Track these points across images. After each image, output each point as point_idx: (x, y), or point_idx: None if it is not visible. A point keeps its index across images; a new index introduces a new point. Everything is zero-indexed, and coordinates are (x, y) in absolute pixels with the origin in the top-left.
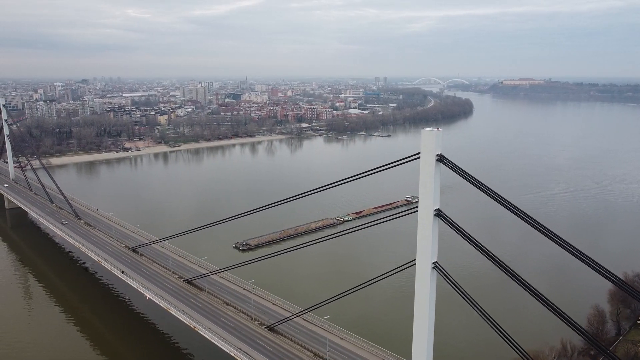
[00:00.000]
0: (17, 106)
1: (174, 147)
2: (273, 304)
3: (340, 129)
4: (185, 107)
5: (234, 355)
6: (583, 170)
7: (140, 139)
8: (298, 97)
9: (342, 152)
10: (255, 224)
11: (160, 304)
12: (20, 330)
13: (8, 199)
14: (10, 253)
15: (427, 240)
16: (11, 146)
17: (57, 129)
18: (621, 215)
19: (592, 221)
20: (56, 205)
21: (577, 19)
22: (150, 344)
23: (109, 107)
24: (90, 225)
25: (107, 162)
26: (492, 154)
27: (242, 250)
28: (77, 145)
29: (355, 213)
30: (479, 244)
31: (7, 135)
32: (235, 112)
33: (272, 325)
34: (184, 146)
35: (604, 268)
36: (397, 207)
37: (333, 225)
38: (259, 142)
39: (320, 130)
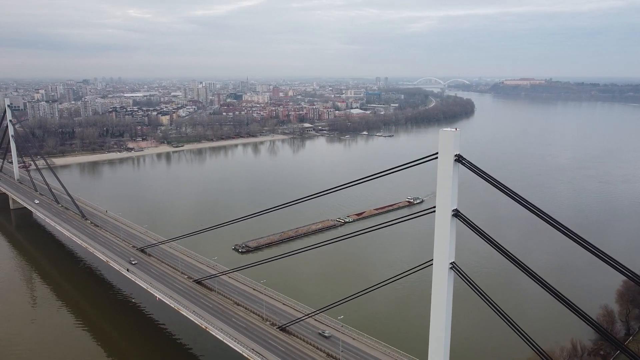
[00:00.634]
0: (18, 106)
1: (176, 147)
2: (283, 304)
3: (343, 129)
4: (187, 107)
5: (246, 355)
6: (587, 170)
7: (143, 139)
8: (299, 97)
9: (345, 153)
10: (254, 226)
11: (171, 305)
12: (27, 330)
13: (13, 198)
14: (15, 253)
15: (444, 241)
16: (16, 146)
17: (60, 129)
18: (627, 215)
19: (597, 220)
20: (62, 206)
21: (577, 18)
22: (159, 344)
23: (110, 108)
24: (97, 226)
25: (110, 162)
26: (496, 154)
27: (242, 253)
28: (80, 145)
29: (356, 214)
30: (498, 244)
31: (12, 136)
32: (237, 112)
33: (284, 326)
34: (187, 146)
35: (626, 267)
36: (399, 208)
37: (334, 226)
38: (262, 143)
39: (322, 130)
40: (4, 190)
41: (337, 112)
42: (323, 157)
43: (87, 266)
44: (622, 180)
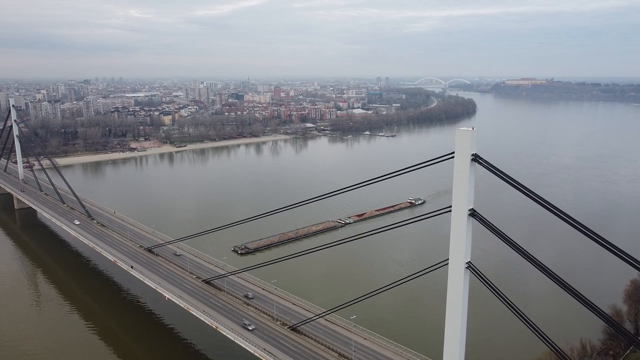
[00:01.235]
0: (20, 107)
1: (179, 147)
2: (293, 304)
3: (345, 129)
4: (189, 107)
5: (258, 355)
6: (592, 170)
7: (146, 139)
8: (301, 97)
9: (348, 153)
10: (254, 227)
11: (181, 304)
12: (35, 332)
13: (18, 198)
14: (21, 253)
15: (460, 240)
16: (20, 146)
17: (63, 130)
18: (635, 214)
19: (604, 219)
20: (68, 206)
21: (579, 18)
22: (168, 345)
23: (112, 108)
24: (104, 226)
25: (114, 162)
26: (500, 154)
27: (241, 254)
28: (83, 145)
29: (357, 215)
30: (515, 243)
31: (17, 136)
32: (239, 112)
33: (294, 326)
34: (190, 146)
35: None
36: (401, 209)
37: (334, 228)
38: (264, 143)
39: (324, 130)
40: (9, 190)
41: (339, 112)
42: (326, 157)
43: (93, 266)
44: (629, 180)
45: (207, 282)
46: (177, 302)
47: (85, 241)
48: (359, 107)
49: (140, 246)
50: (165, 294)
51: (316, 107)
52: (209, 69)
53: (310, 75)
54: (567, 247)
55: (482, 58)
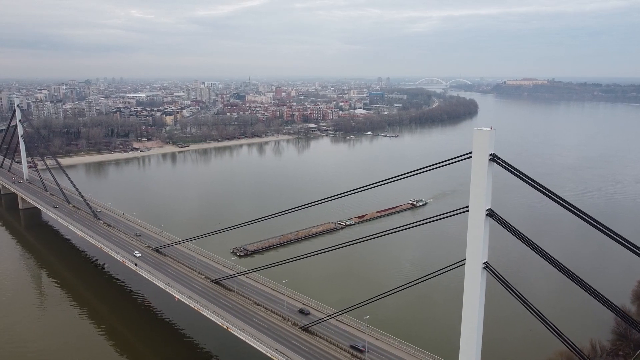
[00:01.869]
0: (22, 107)
1: (182, 147)
2: (303, 304)
3: (347, 129)
4: (191, 107)
5: (270, 355)
6: (597, 170)
7: (148, 140)
8: (302, 97)
9: (351, 153)
10: (254, 228)
11: (190, 305)
12: (41, 332)
13: (23, 198)
14: (26, 253)
15: (478, 240)
16: (25, 146)
17: (65, 130)
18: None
19: (610, 219)
20: (73, 206)
21: (580, 18)
22: (178, 346)
23: (115, 108)
24: (110, 226)
25: (117, 162)
26: (504, 154)
27: (240, 256)
28: (86, 145)
29: (358, 217)
30: (534, 243)
31: (21, 136)
32: (241, 113)
33: (306, 326)
34: (192, 146)
35: None
36: (402, 210)
37: (335, 229)
38: (267, 143)
39: (327, 130)
40: (13, 190)
41: (340, 112)
42: (329, 157)
43: (99, 266)
44: (634, 179)
45: (216, 282)
46: (187, 303)
47: (92, 241)
48: (360, 108)
49: (148, 246)
50: (174, 294)
51: (318, 107)
52: (209, 69)
53: (311, 75)
54: (572, 247)
55: (483, 58)
